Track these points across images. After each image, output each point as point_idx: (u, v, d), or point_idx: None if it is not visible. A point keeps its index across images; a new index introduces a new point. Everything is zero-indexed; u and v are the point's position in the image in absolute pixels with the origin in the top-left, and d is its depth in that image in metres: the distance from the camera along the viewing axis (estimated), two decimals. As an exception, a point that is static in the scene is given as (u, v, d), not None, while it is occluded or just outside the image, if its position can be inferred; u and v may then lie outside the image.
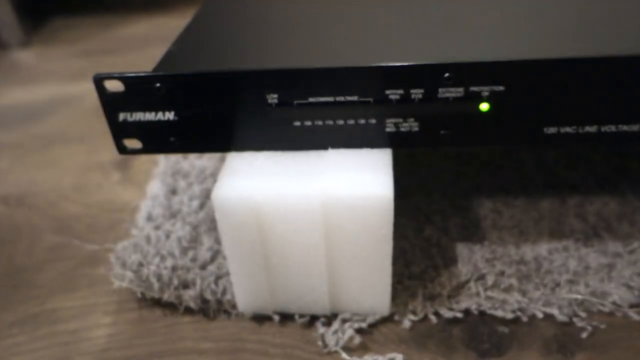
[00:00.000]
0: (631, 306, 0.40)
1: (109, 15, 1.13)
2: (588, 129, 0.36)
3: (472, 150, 0.57)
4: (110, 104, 0.37)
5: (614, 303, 0.40)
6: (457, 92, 0.35)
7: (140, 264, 0.45)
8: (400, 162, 0.56)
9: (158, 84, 0.35)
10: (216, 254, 0.46)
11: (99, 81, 0.36)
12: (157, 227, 0.50)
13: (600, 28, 0.39)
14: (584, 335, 0.38)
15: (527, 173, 0.54)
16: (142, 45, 0.96)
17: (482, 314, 0.40)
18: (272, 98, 0.36)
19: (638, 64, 0.33)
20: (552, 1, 0.44)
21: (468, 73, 0.34)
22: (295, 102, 0.36)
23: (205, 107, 0.36)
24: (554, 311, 0.40)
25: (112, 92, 0.36)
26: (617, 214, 0.47)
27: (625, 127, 0.36)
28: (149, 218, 0.51)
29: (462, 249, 0.45)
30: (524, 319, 0.40)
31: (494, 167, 0.55)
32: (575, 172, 0.53)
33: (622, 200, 0.49)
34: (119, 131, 0.38)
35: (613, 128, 0.36)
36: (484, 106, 0.35)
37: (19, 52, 1.00)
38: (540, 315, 0.40)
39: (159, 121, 0.37)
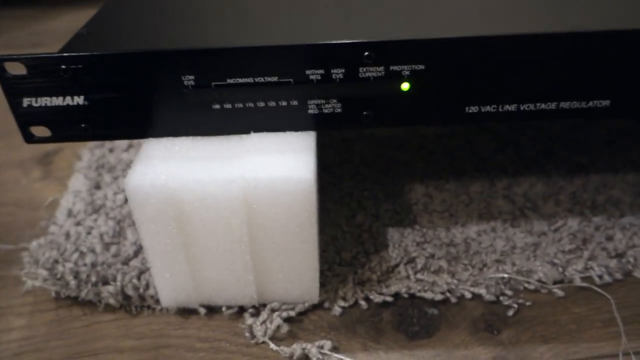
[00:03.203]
0: (555, 283, 0.41)
1: (32, 7, 1.07)
2: (508, 107, 0.36)
3: (405, 136, 0.57)
4: (12, 88, 0.34)
5: (539, 280, 0.41)
6: (377, 71, 0.34)
7: (56, 261, 0.42)
8: (332, 148, 0.56)
9: (63, 66, 0.33)
10: (141, 248, 0.44)
11: (-3, 63, 0.33)
12: (77, 223, 0.47)
13: (519, 6, 0.39)
14: (510, 313, 0.39)
15: (458, 157, 0.54)
16: (67, 39, 0.91)
17: (411, 296, 0.40)
18: (188, 80, 0.34)
19: (554, 43, 0.34)
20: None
21: (387, 52, 0.33)
22: (213, 84, 0.34)
23: (117, 90, 0.34)
24: (482, 291, 0.40)
25: (13, 75, 0.34)
26: (543, 195, 0.48)
27: (543, 105, 0.36)
28: (70, 214, 0.48)
29: (393, 234, 0.45)
30: (453, 299, 0.40)
31: (426, 152, 0.55)
32: (503, 156, 0.54)
33: (548, 181, 0.50)
34: (24, 118, 0.35)
35: (532, 106, 0.36)
36: (405, 86, 0.35)
37: None
38: (468, 295, 0.40)
39: (68, 106, 0.35)
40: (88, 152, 0.58)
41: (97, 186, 0.52)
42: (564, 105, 0.36)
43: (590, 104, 0.36)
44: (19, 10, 1.07)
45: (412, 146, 0.56)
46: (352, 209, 0.48)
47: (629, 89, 0.36)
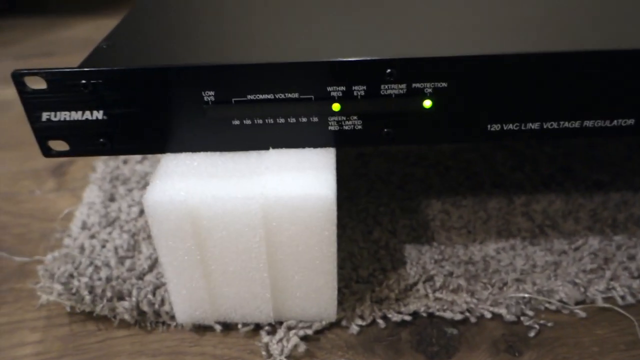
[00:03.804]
0: (577, 303, 0.40)
1: (49, 16, 1.08)
2: (531, 125, 0.36)
3: (420, 151, 0.57)
4: (32, 102, 0.34)
5: (560, 301, 0.40)
6: (399, 88, 0.34)
7: (71, 276, 0.41)
8: (348, 163, 0.55)
9: (83, 81, 0.33)
10: (156, 262, 0.44)
11: (18, 77, 0.33)
12: (92, 236, 0.47)
13: (543, 24, 0.39)
14: (532, 334, 0.38)
15: (475, 173, 0.53)
16: (83, 48, 0.91)
17: (430, 315, 0.39)
18: (209, 96, 0.34)
19: (579, 61, 0.33)
20: None
21: (410, 69, 0.33)
22: (233, 99, 0.34)
23: (137, 105, 0.34)
24: (502, 311, 0.39)
25: (33, 89, 0.34)
26: (562, 212, 0.48)
27: (566, 124, 0.36)
28: (84, 226, 0.48)
29: (410, 251, 0.44)
30: (473, 319, 0.39)
31: (442, 168, 0.54)
32: (521, 173, 0.53)
33: (567, 199, 0.49)
34: (43, 132, 0.35)
35: (555, 125, 0.36)
36: (427, 103, 0.34)
37: (-51, 55, 0.94)
38: (488, 315, 0.39)
39: (87, 121, 0.35)
40: (102, 164, 0.58)
41: (112, 198, 0.52)
42: (588, 123, 0.36)
43: (615, 122, 0.36)
44: (30, 20, 1.08)
45: (428, 162, 0.55)
46: (368, 224, 0.47)
47: (654, 107, 0.35)
